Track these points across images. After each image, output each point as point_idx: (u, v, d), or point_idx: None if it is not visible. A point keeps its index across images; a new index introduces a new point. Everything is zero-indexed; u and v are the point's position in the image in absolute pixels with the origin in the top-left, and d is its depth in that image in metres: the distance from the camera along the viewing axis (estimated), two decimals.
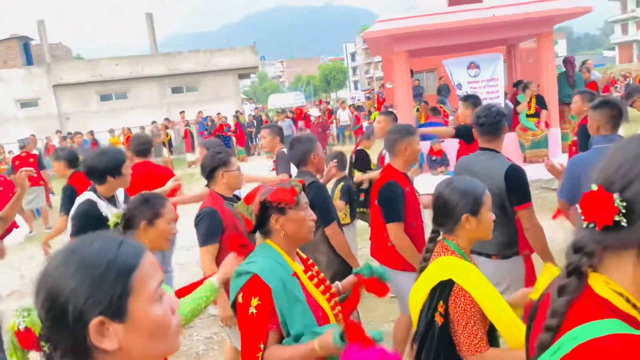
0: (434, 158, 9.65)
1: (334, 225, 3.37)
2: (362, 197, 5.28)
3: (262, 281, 1.85)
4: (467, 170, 3.20)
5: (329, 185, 4.17)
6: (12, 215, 3.46)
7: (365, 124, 18.47)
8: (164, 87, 27.65)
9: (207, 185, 3.39)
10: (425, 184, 4.39)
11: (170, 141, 19.01)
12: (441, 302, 1.91)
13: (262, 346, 1.82)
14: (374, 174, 4.80)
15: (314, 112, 21.52)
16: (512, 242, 3.17)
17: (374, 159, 6.11)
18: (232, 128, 19.57)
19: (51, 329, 0.92)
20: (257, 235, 2.09)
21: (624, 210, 0.85)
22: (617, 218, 0.85)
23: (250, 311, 1.83)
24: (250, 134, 20.76)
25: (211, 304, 2.44)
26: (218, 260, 2.99)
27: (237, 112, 23.59)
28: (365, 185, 5.14)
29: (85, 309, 0.90)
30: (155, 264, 1.02)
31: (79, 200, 3.31)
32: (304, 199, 2.03)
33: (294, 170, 3.97)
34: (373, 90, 37.00)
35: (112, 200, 3.37)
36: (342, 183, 4.89)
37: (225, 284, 2.28)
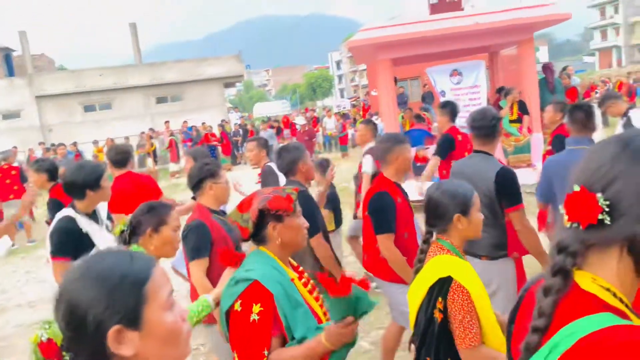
0: (418, 165, 9.71)
1: (319, 236, 3.32)
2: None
3: (264, 287, 1.85)
4: (461, 172, 3.28)
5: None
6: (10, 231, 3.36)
7: (351, 131, 18.56)
8: (148, 97, 27.50)
9: (194, 197, 3.34)
10: (410, 190, 4.41)
11: (155, 151, 18.90)
12: (440, 298, 1.97)
13: (266, 352, 1.80)
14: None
15: (300, 121, 21.55)
16: (500, 243, 3.20)
17: (353, 168, 6.14)
18: (218, 137, 19.50)
19: (72, 339, 0.98)
20: (245, 245, 2.09)
21: (607, 209, 0.88)
22: (600, 217, 0.88)
23: (251, 318, 1.81)
24: (236, 143, 20.70)
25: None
26: (207, 275, 2.93)
27: (222, 121, 23.54)
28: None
29: (103, 318, 0.96)
30: (165, 275, 1.08)
31: (58, 216, 3.20)
32: (298, 206, 2.07)
33: (282, 182, 3.95)
34: (359, 97, 37.17)
35: (93, 216, 3.26)
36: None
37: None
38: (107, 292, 0.97)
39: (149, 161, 17.29)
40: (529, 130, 9.16)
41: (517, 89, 9.30)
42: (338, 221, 4.95)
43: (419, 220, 3.27)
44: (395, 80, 10.49)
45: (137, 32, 29.57)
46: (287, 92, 76.11)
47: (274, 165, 5.08)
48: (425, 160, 9.58)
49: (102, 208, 3.47)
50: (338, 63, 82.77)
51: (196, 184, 3.15)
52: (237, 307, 1.86)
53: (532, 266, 3.40)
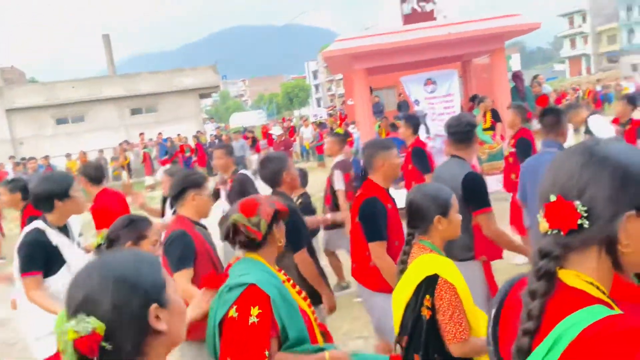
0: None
1: (302, 252, 3.18)
2: None
3: (261, 290, 1.91)
4: (438, 176, 3.45)
5: None
6: None
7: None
8: (122, 109, 27.16)
9: (173, 207, 3.25)
10: (399, 197, 4.44)
11: (129, 164, 18.63)
12: (428, 295, 2.03)
13: (267, 353, 1.86)
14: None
15: (276, 131, 21.53)
16: (467, 246, 3.22)
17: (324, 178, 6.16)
18: (193, 149, 19.32)
19: (118, 323, 1.06)
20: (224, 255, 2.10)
21: (585, 214, 0.97)
22: (580, 221, 0.97)
23: (250, 321, 1.86)
24: (211, 154, 20.47)
25: None
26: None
27: (198, 132, 23.37)
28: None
29: (148, 296, 1.10)
30: None
31: (26, 229, 3.09)
32: None
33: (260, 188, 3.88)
34: (335, 107, 37.35)
35: (64, 229, 3.15)
36: (300, 199, 4.89)
37: None
38: (145, 275, 1.12)
39: (124, 174, 17.01)
40: (502, 138, 9.29)
41: (490, 97, 9.44)
42: (314, 231, 4.94)
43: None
44: (371, 90, 10.55)
45: (110, 43, 29.26)
46: (264, 102, 76.06)
47: (248, 172, 5.07)
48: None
49: (74, 224, 3.34)
50: (315, 73, 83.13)
51: (179, 193, 3.01)
52: (233, 313, 1.89)
53: (501, 271, 3.41)
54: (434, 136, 9.06)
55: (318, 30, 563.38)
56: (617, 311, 0.94)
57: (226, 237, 2.09)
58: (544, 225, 1.02)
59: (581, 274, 1.00)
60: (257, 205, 2.09)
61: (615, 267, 0.99)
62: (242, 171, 4.89)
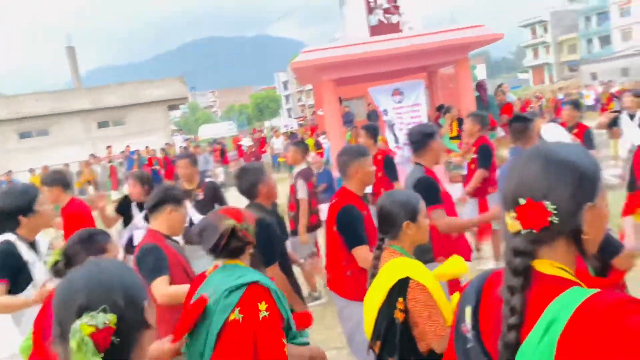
0: None
1: (275, 266, 3.12)
2: None
3: (263, 286, 1.96)
4: (406, 181, 3.69)
5: None
6: None
7: None
8: (88, 122, 26.65)
9: (146, 219, 3.17)
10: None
11: (95, 179, 18.23)
12: (401, 298, 2.06)
13: (285, 342, 1.93)
14: None
15: (246, 142, 21.43)
16: (426, 248, 3.23)
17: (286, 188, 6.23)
18: (161, 161, 19.03)
19: (129, 317, 1.17)
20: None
21: (555, 212, 1.08)
22: (550, 219, 1.09)
23: (261, 316, 1.89)
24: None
25: None
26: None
27: (166, 144, 23.06)
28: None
29: (144, 293, 1.25)
30: None
31: None
32: None
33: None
34: (306, 117, 37.45)
35: (33, 245, 3.02)
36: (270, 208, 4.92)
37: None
38: (136, 275, 1.28)
39: (90, 189, 16.63)
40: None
41: (456, 106, 9.62)
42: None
43: None
44: (340, 100, 10.63)
45: (75, 55, 28.73)
46: (234, 113, 75.71)
47: (214, 181, 5.04)
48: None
49: (43, 240, 3.19)
50: (285, 83, 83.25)
51: (155, 205, 2.93)
52: (236, 316, 1.88)
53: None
54: (402, 145, 9.18)
55: (288, 41, 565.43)
56: (594, 289, 1.03)
57: (216, 244, 2.05)
58: (514, 225, 1.12)
59: (554, 262, 1.11)
60: (241, 211, 2.17)
61: (580, 252, 1.13)
62: (210, 179, 4.87)
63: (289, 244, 5.55)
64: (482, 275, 1.27)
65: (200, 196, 4.90)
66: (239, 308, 1.88)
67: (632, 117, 6.33)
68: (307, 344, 2.24)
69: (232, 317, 1.87)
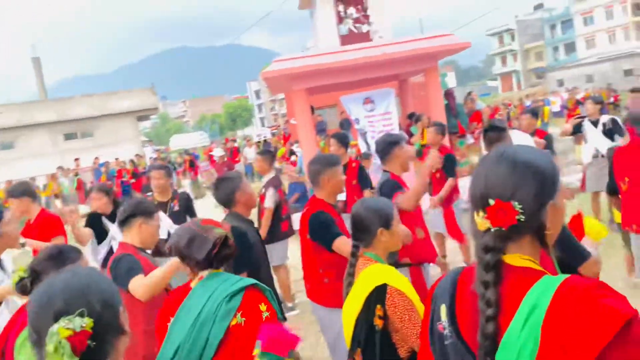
0: None
1: (243, 275, 3.14)
2: None
3: (259, 288, 2.02)
4: (377, 189, 3.86)
5: None
6: None
7: None
8: (55, 134, 26.07)
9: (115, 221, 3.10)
10: None
11: (62, 192, 17.77)
12: (379, 305, 2.07)
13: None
14: None
15: (218, 152, 21.23)
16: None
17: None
18: (130, 173, 18.68)
19: (105, 322, 1.21)
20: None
21: (521, 211, 1.16)
22: (517, 217, 1.16)
23: (264, 316, 1.95)
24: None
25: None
26: (132, 311, 2.68)
27: (136, 155, 22.69)
28: None
29: (119, 299, 1.30)
30: None
31: None
32: None
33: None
34: (279, 126, 37.36)
35: None
36: None
37: None
38: (111, 282, 1.34)
39: (57, 203, 16.19)
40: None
41: (427, 114, 9.72)
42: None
43: None
44: (313, 109, 10.62)
45: (40, 66, 28.10)
46: (206, 123, 75.11)
47: (186, 191, 4.97)
48: None
49: (7, 258, 3.13)
50: (257, 92, 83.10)
51: (126, 219, 2.90)
52: (238, 320, 1.90)
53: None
54: (374, 153, 9.22)
55: (259, 49, 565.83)
56: (564, 275, 1.14)
57: (209, 253, 2.04)
58: (484, 224, 1.19)
59: (522, 255, 1.20)
60: (219, 222, 2.20)
61: (543, 246, 1.23)
62: (182, 190, 4.83)
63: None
64: (453, 274, 1.32)
65: (176, 207, 4.93)
66: (240, 312, 1.92)
67: (594, 123, 6.47)
68: None
69: (233, 323, 1.90)
